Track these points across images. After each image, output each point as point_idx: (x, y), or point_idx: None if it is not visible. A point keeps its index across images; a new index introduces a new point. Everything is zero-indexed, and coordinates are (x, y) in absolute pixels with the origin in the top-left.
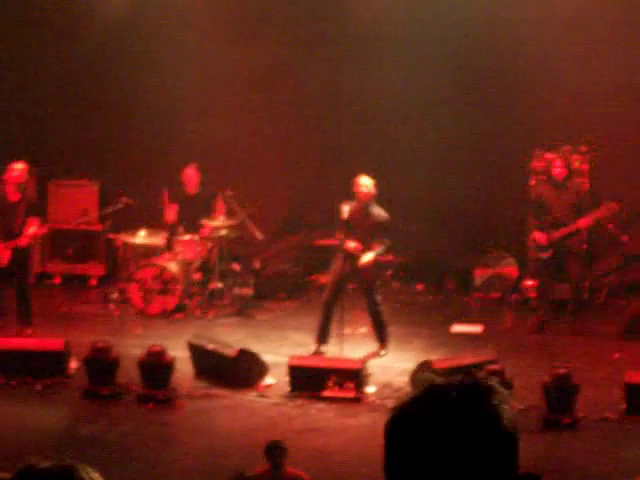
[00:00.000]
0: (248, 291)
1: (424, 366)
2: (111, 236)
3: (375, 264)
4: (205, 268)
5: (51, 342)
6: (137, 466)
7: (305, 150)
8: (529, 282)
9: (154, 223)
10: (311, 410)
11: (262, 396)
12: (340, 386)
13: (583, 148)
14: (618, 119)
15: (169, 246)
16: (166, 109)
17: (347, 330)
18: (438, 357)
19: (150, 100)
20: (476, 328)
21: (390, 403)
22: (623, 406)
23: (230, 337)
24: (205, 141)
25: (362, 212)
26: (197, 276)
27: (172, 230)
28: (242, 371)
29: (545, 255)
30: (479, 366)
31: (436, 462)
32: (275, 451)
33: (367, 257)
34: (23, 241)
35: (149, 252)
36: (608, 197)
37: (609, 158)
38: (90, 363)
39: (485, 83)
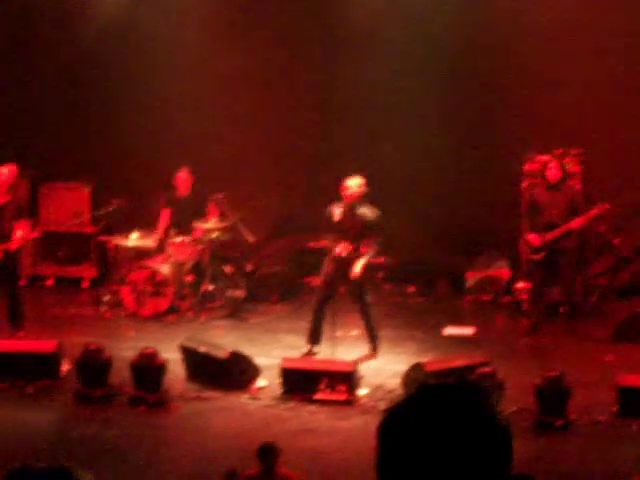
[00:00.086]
0: (240, 293)
1: (416, 368)
2: (103, 238)
3: (366, 266)
4: (197, 270)
5: (43, 344)
6: (129, 468)
7: (297, 152)
8: (521, 284)
9: (146, 226)
10: (303, 412)
11: (254, 398)
12: (332, 388)
13: (575, 150)
14: (610, 121)
15: (161, 248)
16: (158, 112)
17: (339, 333)
18: (430, 359)
19: (142, 103)
20: (468, 330)
21: (382, 405)
22: (615, 408)
23: (222, 339)
24: (197, 144)
25: (350, 213)
26: (189, 278)
27: (162, 236)
28: (234, 373)
29: (537, 257)
30: (471, 368)
31: (428, 462)
32: (268, 453)
33: (359, 265)
34: (12, 245)
35: (141, 254)
36: (600, 199)
37: (601, 160)
38: (82, 365)
39: (477, 85)
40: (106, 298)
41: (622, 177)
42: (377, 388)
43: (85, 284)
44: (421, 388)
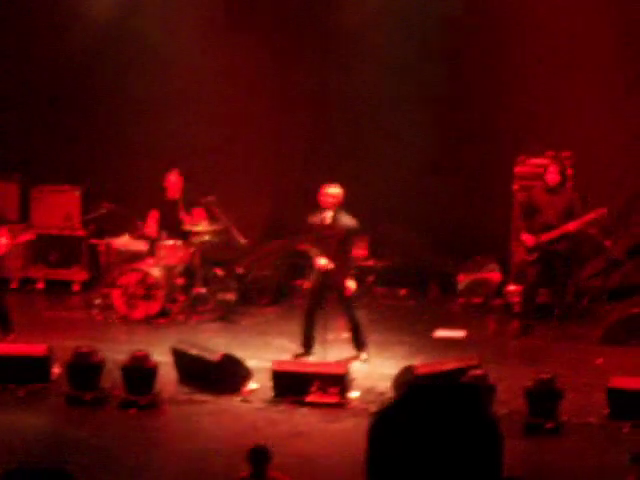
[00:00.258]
0: (231, 296)
1: (407, 371)
2: (94, 241)
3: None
4: (188, 273)
5: (34, 348)
6: (121, 471)
7: (288, 155)
8: (512, 287)
9: (137, 229)
10: (295, 415)
11: (246, 401)
12: (324, 391)
13: (566, 153)
14: (601, 124)
15: (152, 251)
16: (149, 115)
17: (330, 336)
18: (421, 362)
19: (133, 106)
20: (459, 333)
21: (374, 408)
22: (606, 411)
23: (213, 342)
24: (188, 147)
25: (330, 220)
26: (180, 281)
27: (152, 239)
28: (226, 376)
29: (530, 257)
30: (462, 371)
31: (418, 462)
32: (258, 456)
33: (351, 285)
34: None
35: (132, 257)
36: (597, 202)
37: (592, 163)
38: (73, 368)
39: (469, 88)
40: (97, 301)
41: (613, 179)
42: (368, 391)
43: (76, 287)
44: (410, 390)
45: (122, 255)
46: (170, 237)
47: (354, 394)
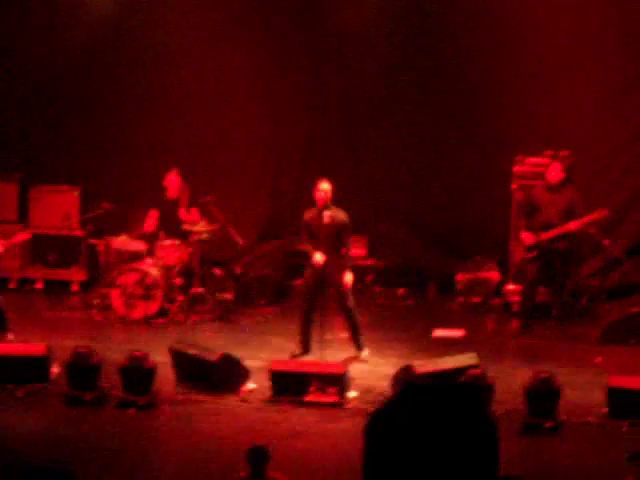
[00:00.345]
0: (229, 296)
1: (406, 371)
2: (93, 241)
3: (346, 268)
4: (186, 273)
5: (33, 347)
6: (120, 471)
7: (287, 156)
8: (511, 286)
9: (135, 229)
10: (293, 415)
11: (244, 401)
12: (322, 391)
13: (565, 152)
14: (600, 124)
15: (150, 251)
16: (147, 115)
17: (328, 335)
18: (420, 361)
19: (131, 106)
20: (458, 333)
21: (372, 408)
22: (605, 410)
23: (212, 342)
24: (186, 147)
25: (319, 215)
26: (178, 281)
27: (151, 238)
28: (224, 376)
29: (529, 255)
30: (461, 370)
31: (414, 461)
32: (257, 456)
33: (348, 278)
34: None
35: (131, 257)
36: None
37: (590, 162)
38: (72, 368)
39: (468, 88)
40: (96, 301)
41: (612, 179)
42: (367, 390)
43: (74, 287)
44: (405, 389)
45: (121, 255)
46: (169, 237)
47: (352, 394)
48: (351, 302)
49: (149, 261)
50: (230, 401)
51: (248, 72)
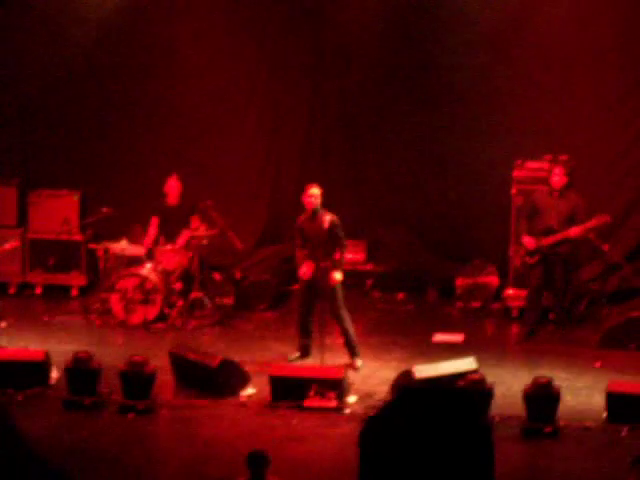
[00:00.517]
0: (229, 301)
1: (405, 375)
2: (92, 246)
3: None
4: (186, 278)
5: (32, 352)
6: (119, 476)
7: (285, 161)
8: (510, 291)
9: (135, 234)
10: (292, 420)
11: (243, 406)
12: (321, 396)
13: (564, 157)
14: (599, 128)
15: (150, 256)
16: (146, 120)
17: (327, 340)
18: (419, 366)
19: (131, 111)
20: (457, 337)
21: (369, 413)
22: (604, 414)
23: (211, 347)
24: (186, 153)
25: (311, 220)
26: (178, 286)
27: (153, 242)
28: (223, 381)
29: (531, 260)
30: (460, 375)
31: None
32: (257, 460)
33: (336, 276)
34: None
35: (130, 262)
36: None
37: (590, 166)
38: (71, 373)
39: (468, 91)
40: (95, 306)
41: (611, 183)
42: (366, 395)
43: (74, 292)
44: (400, 394)
45: (120, 260)
46: (168, 242)
47: (352, 398)
48: (341, 308)
49: (148, 266)
50: (229, 406)
51: (247, 77)
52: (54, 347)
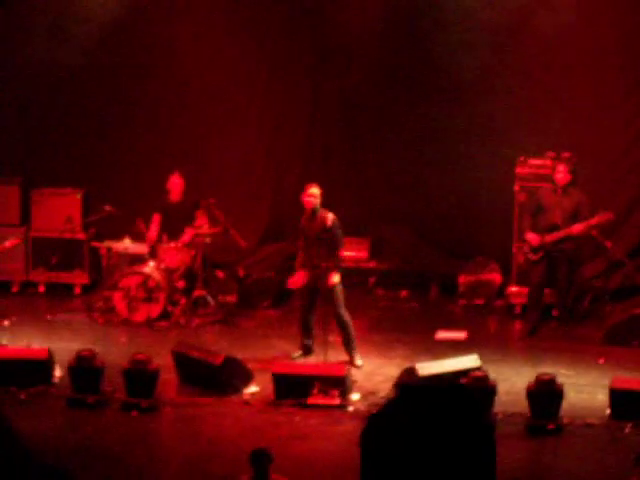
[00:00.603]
0: (232, 299)
1: (408, 373)
2: (95, 244)
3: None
4: (189, 276)
5: (35, 351)
6: (122, 474)
7: (288, 158)
8: (513, 288)
9: (138, 232)
10: (296, 417)
11: (247, 403)
12: (325, 393)
13: (566, 154)
14: (601, 125)
15: (153, 254)
16: (148, 118)
17: (330, 338)
18: (422, 364)
19: (134, 109)
20: (460, 334)
21: (374, 410)
22: (608, 411)
23: (214, 345)
24: (188, 150)
25: (311, 219)
26: (181, 284)
27: (155, 240)
28: (227, 379)
29: (534, 257)
30: (463, 372)
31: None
32: (260, 458)
33: (334, 279)
34: None
35: (133, 260)
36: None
37: (592, 163)
38: (74, 371)
39: (469, 89)
40: (98, 304)
41: (614, 181)
42: (370, 393)
43: (77, 290)
44: (401, 392)
45: (123, 258)
46: (171, 240)
47: (355, 396)
48: (341, 307)
49: (151, 264)
50: (233, 404)
51: (249, 76)
52: (57, 345)
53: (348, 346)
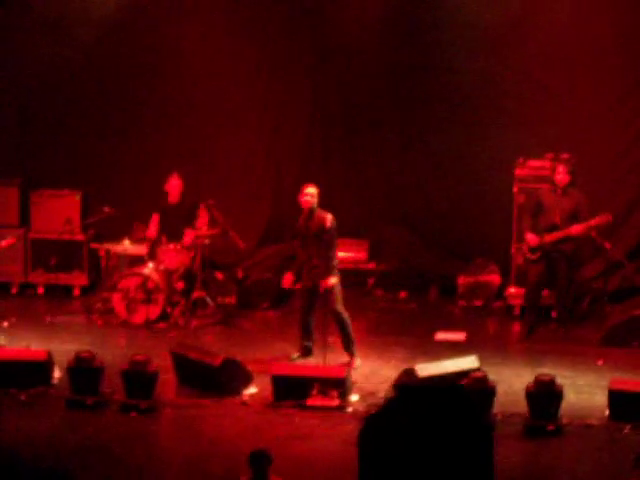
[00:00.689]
0: (231, 300)
1: (407, 374)
2: (94, 246)
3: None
4: (188, 277)
5: (34, 352)
6: (121, 475)
7: (287, 159)
8: (513, 289)
9: (136, 233)
10: (295, 419)
11: (246, 405)
12: (324, 394)
13: (565, 155)
14: (600, 126)
15: (152, 255)
16: (148, 120)
17: (330, 339)
18: (421, 365)
19: (133, 110)
20: (460, 336)
21: (372, 411)
22: (607, 412)
23: (213, 346)
24: (187, 151)
25: (307, 220)
26: (180, 285)
27: (153, 243)
28: (226, 380)
29: (533, 257)
30: (462, 373)
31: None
32: (259, 459)
33: (331, 280)
34: None
35: (132, 261)
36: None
37: (591, 164)
38: (74, 373)
39: (468, 90)
40: (97, 306)
41: (612, 182)
42: (369, 394)
43: (76, 292)
44: (401, 393)
45: (122, 259)
46: (170, 241)
47: (354, 397)
48: (338, 305)
49: (150, 265)
50: (232, 405)
51: (248, 76)
52: (56, 347)
53: (346, 345)
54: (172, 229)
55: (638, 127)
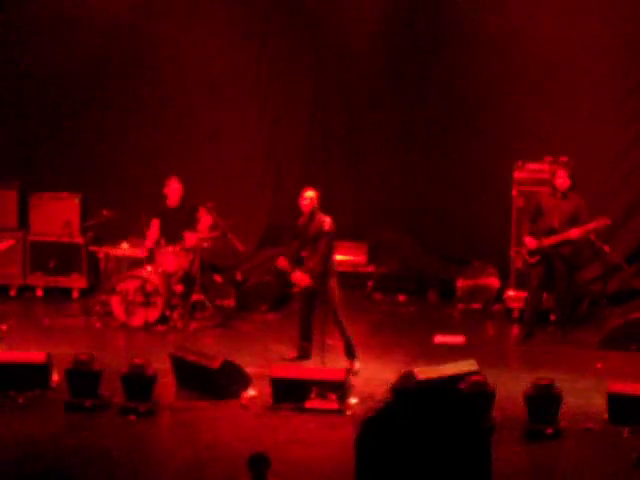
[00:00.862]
0: (230, 303)
1: (406, 377)
2: (93, 248)
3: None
4: (187, 280)
5: (33, 355)
6: (121, 477)
7: (286, 162)
8: (511, 292)
9: (136, 236)
10: (293, 422)
11: (244, 408)
12: (323, 397)
13: (564, 158)
14: (598, 129)
15: (151, 258)
16: (147, 122)
17: (329, 341)
18: (420, 368)
19: (132, 113)
20: (458, 339)
21: (370, 414)
22: (605, 416)
23: (212, 349)
24: (187, 154)
25: (307, 222)
26: (179, 288)
27: (153, 245)
28: (225, 383)
29: (532, 260)
30: (461, 377)
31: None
32: (258, 462)
33: (305, 280)
34: None
35: (131, 264)
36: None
37: (590, 168)
38: (72, 375)
39: (468, 93)
40: (96, 308)
41: (611, 185)
42: (368, 397)
43: (75, 295)
44: (398, 396)
45: (121, 262)
46: (169, 244)
47: (353, 400)
48: (337, 310)
49: (149, 268)
50: (231, 408)
51: (247, 77)
52: (55, 349)
53: (347, 350)
54: (172, 233)
55: (637, 129)
